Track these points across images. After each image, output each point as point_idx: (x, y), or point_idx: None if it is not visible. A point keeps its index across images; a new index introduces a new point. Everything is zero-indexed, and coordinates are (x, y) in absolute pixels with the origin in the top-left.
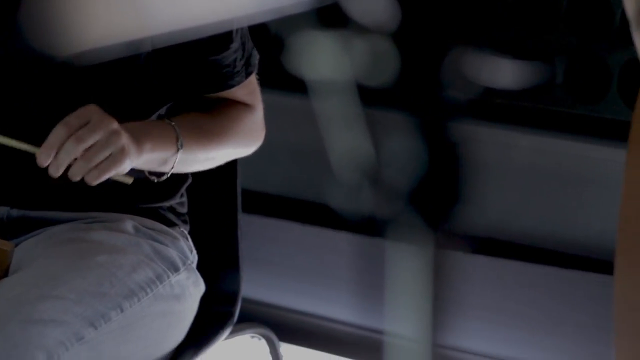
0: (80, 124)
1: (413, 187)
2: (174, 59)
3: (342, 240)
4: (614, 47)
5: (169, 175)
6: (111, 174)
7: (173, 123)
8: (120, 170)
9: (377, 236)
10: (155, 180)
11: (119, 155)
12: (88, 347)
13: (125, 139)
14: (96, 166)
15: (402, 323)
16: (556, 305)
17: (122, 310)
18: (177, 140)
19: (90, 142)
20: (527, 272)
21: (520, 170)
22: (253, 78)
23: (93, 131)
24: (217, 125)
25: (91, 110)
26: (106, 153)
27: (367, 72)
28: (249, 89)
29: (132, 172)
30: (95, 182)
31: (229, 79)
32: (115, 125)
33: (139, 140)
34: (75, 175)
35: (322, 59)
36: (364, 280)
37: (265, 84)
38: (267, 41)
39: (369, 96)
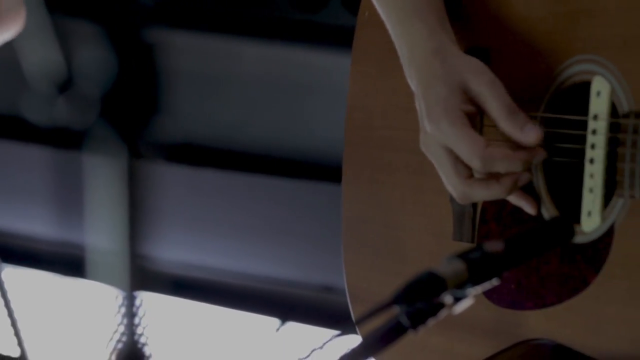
0: None
1: (108, 96)
2: None
3: (40, 155)
4: None
5: None
6: None
7: None
8: None
9: (73, 148)
10: None
11: None
12: None
13: None
14: None
15: (102, 236)
16: (282, 215)
17: None
18: None
19: None
20: (250, 182)
21: (243, 79)
22: None
23: None
24: None
25: None
26: None
27: None
28: None
29: None
30: None
31: None
32: None
33: None
34: None
35: None
36: (65, 195)
37: None
38: None
39: (58, 3)
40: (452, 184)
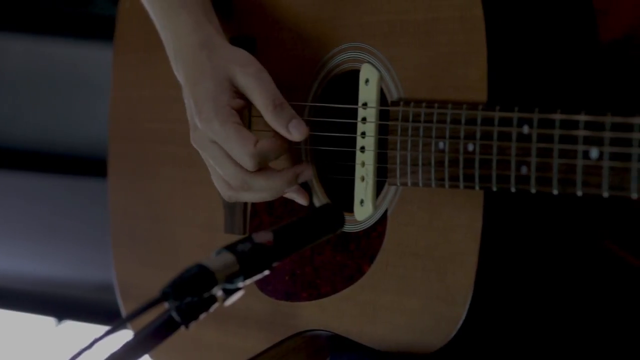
0: None
1: None
2: None
3: None
4: None
5: None
6: None
7: None
8: None
9: None
10: None
11: None
12: None
13: None
14: None
15: None
16: (52, 214)
17: None
18: None
19: None
20: (16, 180)
21: (8, 75)
22: None
23: None
24: None
25: None
26: None
27: None
28: None
29: None
30: None
31: None
32: None
33: None
34: None
35: None
36: None
37: None
38: None
39: None
40: (229, 175)
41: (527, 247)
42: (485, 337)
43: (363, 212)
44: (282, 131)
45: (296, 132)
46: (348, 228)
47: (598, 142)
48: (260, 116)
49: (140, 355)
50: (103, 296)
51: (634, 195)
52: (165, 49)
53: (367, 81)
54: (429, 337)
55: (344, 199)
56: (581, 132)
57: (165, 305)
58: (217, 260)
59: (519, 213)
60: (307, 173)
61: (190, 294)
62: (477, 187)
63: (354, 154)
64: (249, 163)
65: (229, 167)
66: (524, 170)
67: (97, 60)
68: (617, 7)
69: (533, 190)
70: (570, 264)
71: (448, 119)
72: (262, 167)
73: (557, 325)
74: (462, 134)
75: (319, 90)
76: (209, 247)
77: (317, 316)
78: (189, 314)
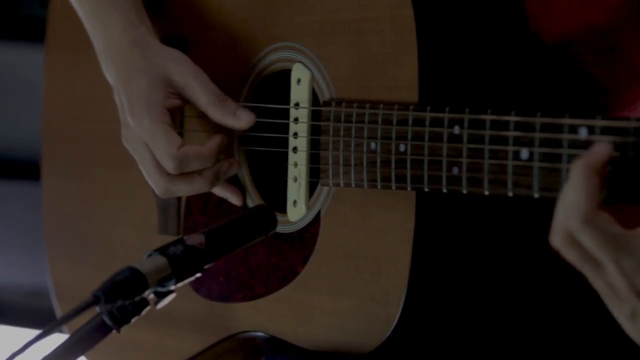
0: None
1: None
2: None
3: None
4: None
5: None
6: None
7: None
8: None
9: None
10: None
11: None
12: None
13: None
14: None
15: None
16: None
17: None
18: None
19: None
20: None
21: None
22: None
23: None
24: None
25: None
26: None
27: None
28: None
29: None
30: None
31: None
32: None
33: None
34: None
35: None
36: None
37: None
38: None
39: None
40: (153, 180)
41: (460, 247)
42: (419, 338)
43: (296, 213)
44: (230, 120)
45: (245, 115)
46: (281, 229)
47: (528, 143)
48: (193, 116)
49: (73, 359)
50: (37, 301)
51: None
52: (95, 50)
53: (298, 81)
54: (363, 337)
55: (278, 199)
56: (511, 133)
57: (97, 308)
58: (149, 263)
59: (451, 213)
60: (231, 169)
61: (121, 297)
62: (409, 188)
63: (287, 154)
64: (169, 164)
65: (154, 173)
66: (455, 170)
67: (29, 62)
68: (549, 11)
69: (464, 191)
70: (504, 263)
71: (380, 120)
72: (184, 171)
73: (490, 324)
74: (393, 135)
75: (251, 91)
76: (143, 248)
77: (252, 317)
78: (120, 318)
